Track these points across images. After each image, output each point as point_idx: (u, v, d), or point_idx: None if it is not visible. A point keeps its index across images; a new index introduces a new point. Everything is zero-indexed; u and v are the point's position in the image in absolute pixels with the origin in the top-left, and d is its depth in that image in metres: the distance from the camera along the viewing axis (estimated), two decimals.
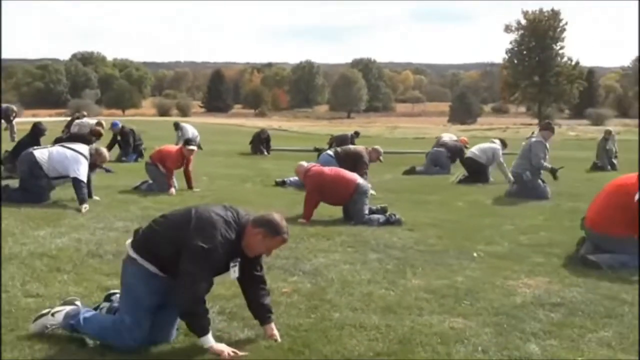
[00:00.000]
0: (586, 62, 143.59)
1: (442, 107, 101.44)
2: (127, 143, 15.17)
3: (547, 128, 10.87)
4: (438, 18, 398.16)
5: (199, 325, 3.56)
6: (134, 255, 3.67)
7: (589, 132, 38.79)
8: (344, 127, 38.83)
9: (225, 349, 3.58)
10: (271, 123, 47.61)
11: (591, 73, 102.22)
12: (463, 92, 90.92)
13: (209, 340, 3.56)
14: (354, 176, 8.12)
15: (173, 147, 10.68)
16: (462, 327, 4.12)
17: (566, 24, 67.58)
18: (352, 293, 4.78)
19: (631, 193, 6.26)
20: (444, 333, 4.00)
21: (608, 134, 17.44)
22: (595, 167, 16.26)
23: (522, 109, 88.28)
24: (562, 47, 68.40)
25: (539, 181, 10.47)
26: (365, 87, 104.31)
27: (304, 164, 8.29)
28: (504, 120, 71.82)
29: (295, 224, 7.10)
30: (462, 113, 79.42)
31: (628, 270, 5.70)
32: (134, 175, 11.15)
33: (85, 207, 7.82)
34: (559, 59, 67.96)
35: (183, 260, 3.50)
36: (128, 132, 15.37)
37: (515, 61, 68.41)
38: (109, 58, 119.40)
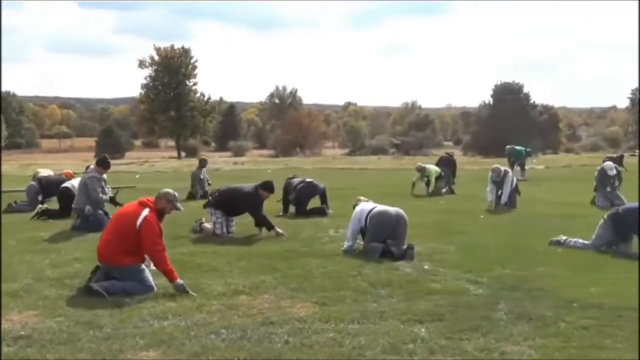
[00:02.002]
0: (229, 97, 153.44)
1: (90, 142, 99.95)
2: None
3: (100, 164, 11.75)
4: (79, 50, 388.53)
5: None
6: None
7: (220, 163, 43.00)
8: None
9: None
10: None
11: (233, 107, 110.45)
12: (109, 126, 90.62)
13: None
14: None
15: None
16: None
17: (196, 61, 70.77)
18: None
19: (130, 223, 6.75)
20: None
21: (203, 163, 18.11)
22: (191, 196, 16.68)
23: (172, 142, 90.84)
24: (195, 84, 71.57)
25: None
26: (4, 122, 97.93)
27: None
28: (154, 154, 73.53)
29: None
30: (109, 147, 79.28)
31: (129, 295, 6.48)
32: None
33: None
34: (192, 94, 70.72)
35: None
36: None
37: (151, 96, 69.55)
38: None
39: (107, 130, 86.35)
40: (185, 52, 70.15)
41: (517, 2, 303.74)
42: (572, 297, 6.58)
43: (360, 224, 9.01)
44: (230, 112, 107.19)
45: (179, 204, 7.46)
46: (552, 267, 8.09)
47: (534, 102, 72.40)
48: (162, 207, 7.18)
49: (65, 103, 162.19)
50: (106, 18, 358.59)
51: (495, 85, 71.20)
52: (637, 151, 52.63)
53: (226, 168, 35.72)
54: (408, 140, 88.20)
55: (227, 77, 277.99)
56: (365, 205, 9.26)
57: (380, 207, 9.07)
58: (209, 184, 17.58)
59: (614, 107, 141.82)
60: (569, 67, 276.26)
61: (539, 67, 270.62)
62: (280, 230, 10.14)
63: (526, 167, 23.51)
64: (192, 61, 70.69)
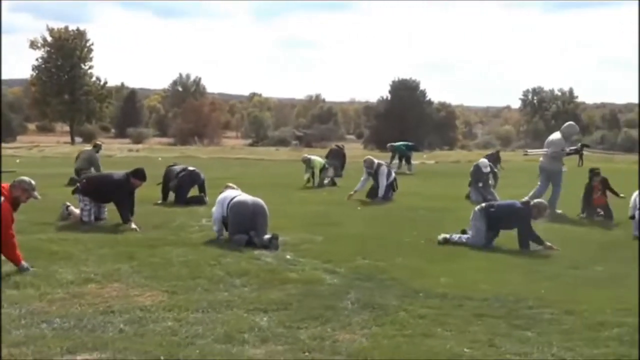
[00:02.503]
0: (131, 83, 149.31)
1: None
2: None
3: None
4: None
5: None
6: None
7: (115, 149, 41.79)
8: None
9: None
10: None
11: (134, 93, 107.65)
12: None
13: None
14: None
15: None
16: None
17: (92, 44, 68.36)
18: None
19: None
20: None
21: (97, 148, 17.69)
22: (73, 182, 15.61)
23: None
24: (90, 67, 68.98)
25: None
26: None
27: None
28: (48, 138, 70.34)
29: None
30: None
31: None
32: None
33: None
34: (87, 78, 68.24)
35: None
36: None
37: (44, 78, 66.76)
38: None
39: None
40: (80, 35, 67.44)
41: (419, 2, 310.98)
42: (421, 287, 6.78)
43: (223, 212, 8.95)
44: (130, 98, 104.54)
45: (36, 193, 7.22)
46: (411, 258, 8.31)
47: (429, 99, 74.35)
48: (17, 195, 7.01)
49: None
50: None
51: (393, 82, 72.70)
52: (527, 150, 55.04)
53: (119, 155, 34.72)
54: (311, 133, 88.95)
55: (130, 62, 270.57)
56: (229, 193, 9.22)
57: (239, 197, 9.04)
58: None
59: (508, 107, 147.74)
60: (467, 67, 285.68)
61: (438, 66, 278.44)
62: (134, 226, 9.76)
63: (412, 162, 24.08)
64: (87, 44, 68.13)
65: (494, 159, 24.08)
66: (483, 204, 9.55)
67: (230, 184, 9.82)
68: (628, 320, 5.79)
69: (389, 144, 25.38)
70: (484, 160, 16.01)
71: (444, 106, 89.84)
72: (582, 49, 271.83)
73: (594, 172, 12.74)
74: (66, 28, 67.16)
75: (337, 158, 21.09)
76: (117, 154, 35.35)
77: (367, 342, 5.05)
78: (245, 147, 62.58)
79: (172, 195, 13.13)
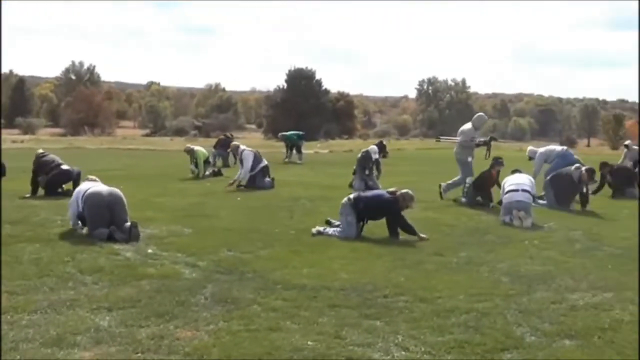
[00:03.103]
0: (20, 71, 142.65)
1: None
2: None
3: None
4: None
5: None
6: None
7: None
8: None
9: None
10: None
11: (22, 82, 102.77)
12: None
13: None
14: None
15: None
16: None
17: None
18: None
19: None
20: None
21: None
22: None
23: None
24: None
25: None
26: None
27: None
28: None
29: None
30: None
31: None
32: None
33: None
34: None
35: None
36: None
37: None
38: None
39: None
40: None
41: None
42: (281, 279, 6.67)
43: (78, 206, 8.53)
44: (19, 87, 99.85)
45: None
46: (278, 249, 8.18)
47: (325, 88, 74.73)
48: None
49: None
50: None
51: (289, 71, 72.62)
52: (440, 138, 56.28)
53: (2, 146, 32.85)
54: (209, 122, 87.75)
55: (20, 48, 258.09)
56: (84, 186, 8.81)
57: (93, 189, 8.63)
58: None
59: (405, 97, 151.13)
60: (367, 56, 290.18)
61: (339, 56, 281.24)
62: None
63: (303, 151, 24.08)
64: None
65: (380, 148, 24.49)
66: (351, 196, 9.49)
67: (91, 176, 9.38)
68: (478, 306, 5.89)
69: (279, 134, 25.24)
70: (373, 147, 16.16)
71: (342, 96, 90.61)
72: (477, 41, 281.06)
73: (496, 161, 13.09)
74: None
75: (225, 148, 20.76)
76: None
77: (208, 339, 4.87)
78: (140, 137, 60.90)
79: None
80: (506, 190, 10.78)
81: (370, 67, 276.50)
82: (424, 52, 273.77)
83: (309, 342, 4.84)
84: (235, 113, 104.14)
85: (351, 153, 32.49)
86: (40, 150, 13.65)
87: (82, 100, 70.60)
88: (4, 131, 62.70)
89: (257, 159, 14.56)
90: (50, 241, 8.23)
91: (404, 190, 9.06)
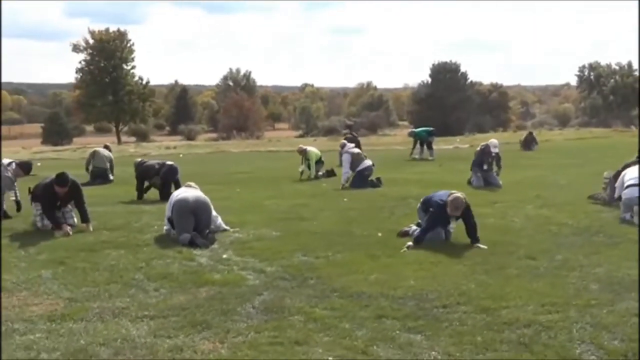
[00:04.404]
0: (186, 80, 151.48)
1: (39, 129, 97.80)
2: None
3: (22, 167, 10.70)
4: (30, 35, 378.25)
5: None
6: None
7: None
8: None
9: None
10: None
11: (185, 91, 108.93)
12: (55, 112, 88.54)
13: None
14: None
15: None
16: None
17: (133, 44, 69.12)
18: None
19: None
20: None
21: (108, 149, 18.21)
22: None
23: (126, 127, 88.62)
24: (133, 67, 69.97)
25: None
26: None
27: None
28: (103, 139, 71.90)
29: None
30: (56, 134, 77.65)
31: None
32: None
33: None
34: (129, 78, 69.09)
35: None
36: None
37: (87, 80, 67.87)
38: None
39: (53, 115, 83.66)
40: (121, 35, 68.48)
41: None
42: (341, 286, 6.41)
43: (168, 212, 8.72)
44: (182, 96, 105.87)
45: None
46: (355, 252, 7.84)
47: (472, 81, 72.39)
48: None
49: (16, 89, 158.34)
50: (57, 1, 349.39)
51: (433, 65, 71.18)
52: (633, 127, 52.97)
53: (153, 153, 34.97)
54: (360, 121, 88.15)
55: (183, 60, 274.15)
56: (177, 191, 9.00)
57: (181, 195, 8.75)
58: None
59: (567, 85, 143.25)
60: (523, 46, 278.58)
61: (493, 47, 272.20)
62: (90, 228, 9.48)
63: (433, 147, 23.41)
64: (128, 44, 69.08)
65: (529, 141, 23.76)
66: (423, 198, 8.84)
67: (190, 183, 9.54)
68: (544, 318, 5.36)
69: (409, 131, 24.75)
70: (493, 141, 15.31)
71: (495, 87, 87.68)
72: None
73: None
74: (107, 30, 68.40)
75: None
76: (151, 152, 35.66)
77: (226, 352, 4.70)
78: (286, 139, 62.28)
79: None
80: (626, 184, 9.69)
81: (526, 58, 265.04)
82: (583, 36, 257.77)
83: (329, 359, 4.51)
84: (386, 110, 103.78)
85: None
86: (139, 159, 14.19)
87: (233, 105, 73.55)
88: (169, 138, 66.84)
89: (356, 160, 14.27)
90: (137, 247, 8.42)
91: (453, 195, 8.19)
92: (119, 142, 58.45)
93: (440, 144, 29.40)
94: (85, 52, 68.31)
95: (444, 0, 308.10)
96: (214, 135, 78.32)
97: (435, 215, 8.18)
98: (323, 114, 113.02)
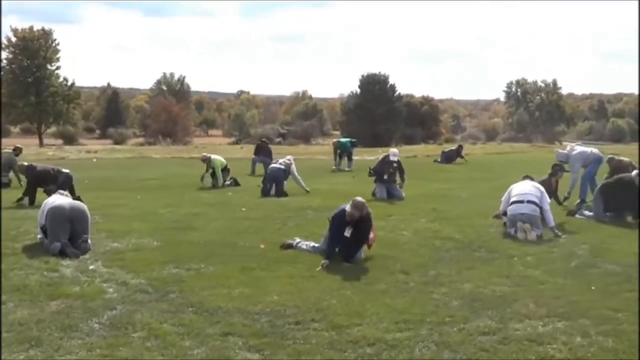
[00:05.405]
0: (118, 84, 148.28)
1: None
2: None
3: None
4: None
5: None
6: None
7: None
8: None
9: None
10: None
11: (116, 94, 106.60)
12: None
13: None
14: None
15: None
16: None
17: (58, 44, 67.21)
18: None
19: None
20: None
21: (17, 152, 17.20)
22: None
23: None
24: (58, 68, 67.89)
25: None
26: None
27: None
28: (27, 141, 69.17)
29: None
30: None
31: None
32: None
33: None
34: (53, 79, 67.14)
35: None
36: None
37: (9, 80, 65.26)
38: None
39: None
40: (46, 34, 66.35)
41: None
42: (200, 300, 6.22)
43: (41, 220, 8.34)
44: (113, 99, 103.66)
45: None
46: (229, 265, 7.67)
47: (399, 93, 73.18)
48: None
49: None
50: None
51: (362, 76, 71.68)
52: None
53: (72, 157, 33.90)
54: (294, 130, 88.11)
55: (118, 62, 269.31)
56: (51, 198, 8.62)
57: (56, 202, 8.41)
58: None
59: (497, 100, 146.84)
60: (457, 61, 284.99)
61: (427, 58, 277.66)
62: None
63: (354, 158, 23.45)
64: (53, 44, 67.00)
65: (456, 153, 24.33)
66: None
67: (62, 191, 9.20)
68: (392, 336, 5.26)
69: (334, 140, 24.81)
70: (394, 150, 15.43)
71: (427, 100, 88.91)
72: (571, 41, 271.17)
73: (558, 167, 12.12)
74: (31, 28, 66.17)
75: (266, 154, 20.52)
76: (70, 155, 34.67)
77: None
78: (220, 145, 61.63)
79: None
80: (511, 201, 9.81)
81: (459, 70, 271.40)
82: (514, 53, 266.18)
83: None
84: (320, 120, 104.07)
85: (415, 159, 31.54)
86: (26, 163, 13.66)
87: (162, 110, 72.39)
88: (99, 142, 65.11)
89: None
90: (4, 256, 7.99)
91: (356, 198, 8.15)
92: (41, 144, 56.52)
93: (364, 155, 29.51)
94: (7, 51, 65.91)
95: (388, 10, 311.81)
96: (142, 140, 76.95)
97: (335, 222, 8.05)
98: (258, 122, 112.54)
